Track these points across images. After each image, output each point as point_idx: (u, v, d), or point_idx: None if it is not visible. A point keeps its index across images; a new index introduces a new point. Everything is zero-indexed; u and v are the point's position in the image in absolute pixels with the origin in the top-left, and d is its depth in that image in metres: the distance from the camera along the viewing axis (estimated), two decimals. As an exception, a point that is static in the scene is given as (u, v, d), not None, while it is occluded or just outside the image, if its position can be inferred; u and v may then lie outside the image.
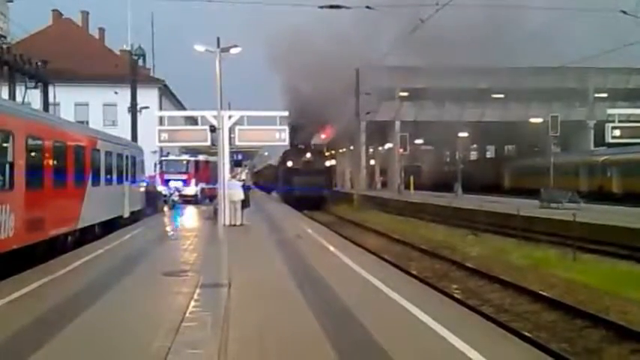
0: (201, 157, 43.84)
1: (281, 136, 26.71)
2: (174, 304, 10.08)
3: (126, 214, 26.41)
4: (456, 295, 14.68)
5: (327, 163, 48.96)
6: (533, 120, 47.98)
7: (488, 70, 64.53)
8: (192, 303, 10.19)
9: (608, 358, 10.42)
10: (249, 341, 8.01)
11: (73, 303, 10.36)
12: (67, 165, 18.36)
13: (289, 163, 47.69)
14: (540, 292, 14.44)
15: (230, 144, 27.28)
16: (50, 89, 23.12)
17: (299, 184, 45.00)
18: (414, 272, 17.67)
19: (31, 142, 15.22)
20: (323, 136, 47.16)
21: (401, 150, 56.96)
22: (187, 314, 9.39)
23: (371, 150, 75.98)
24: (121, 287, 11.96)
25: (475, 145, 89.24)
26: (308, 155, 47.65)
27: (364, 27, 43.36)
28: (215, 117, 25.92)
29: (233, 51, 25.94)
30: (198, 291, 11.22)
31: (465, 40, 51.71)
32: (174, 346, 7.64)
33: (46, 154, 16.47)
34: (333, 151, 49.55)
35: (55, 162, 17.09)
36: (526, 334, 11.00)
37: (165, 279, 12.72)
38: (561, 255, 19.65)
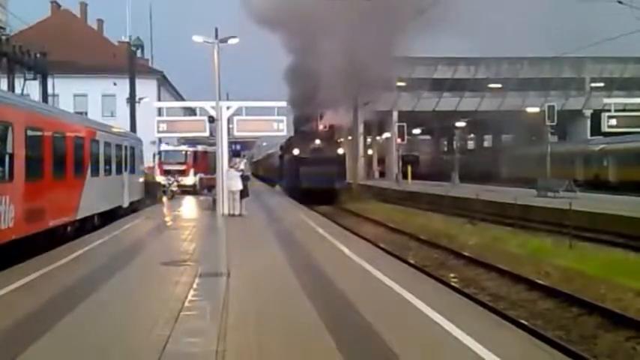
0: (199, 148, 43.90)
1: (279, 127, 26.78)
2: (174, 294, 10.16)
3: (125, 205, 26.51)
4: (453, 284, 14.79)
5: (340, 151, 42.31)
6: (530, 109, 48.01)
7: (486, 60, 64.78)
8: (192, 292, 10.28)
9: (603, 345, 10.47)
10: (248, 330, 8.09)
11: (72, 293, 10.42)
12: (66, 156, 18.42)
13: (295, 151, 41.34)
14: (537, 280, 14.54)
15: (228, 134, 27.36)
16: (49, 80, 23.22)
17: (306, 176, 38.98)
18: (412, 261, 17.75)
19: (30, 133, 15.26)
20: (321, 127, 44.32)
21: (399, 140, 56.96)
22: (186, 303, 9.48)
23: (369, 140, 75.95)
24: (121, 277, 12.05)
25: (472, 135, 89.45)
26: (317, 142, 41.39)
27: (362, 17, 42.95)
28: (213, 108, 25.99)
29: (231, 42, 26.01)
30: (197, 280, 11.32)
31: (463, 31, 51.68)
32: (173, 334, 7.72)
33: (45, 145, 16.52)
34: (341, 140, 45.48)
35: (54, 153, 17.14)
36: (522, 321, 11.09)
37: (165, 268, 12.79)
38: (558, 243, 19.76)
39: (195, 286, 10.83)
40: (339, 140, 45.07)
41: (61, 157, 17.81)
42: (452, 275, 16.46)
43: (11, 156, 13.95)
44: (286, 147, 47.48)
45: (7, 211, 13.56)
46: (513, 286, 14.78)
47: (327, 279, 11.60)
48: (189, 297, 9.92)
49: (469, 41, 54.32)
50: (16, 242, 14.11)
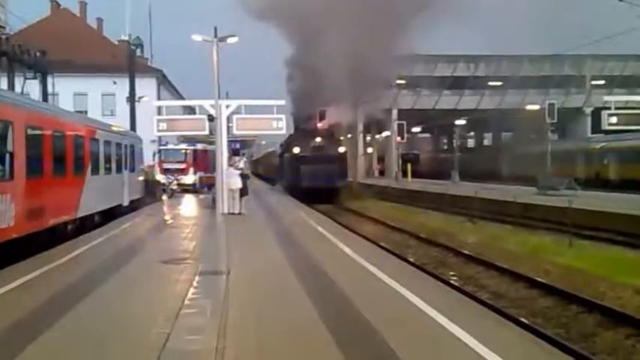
0: (199, 146, 43.88)
1: (278, 125, 26.75)
2: (174, 292, 10.19)
3: (125, 203, 26.52)
4: (452, 282, 14.80)
5: (341, 149, 41.37)
6: (530, 107, 48.01)
7: (486, 58, 64.74)
8: (192, 290, 10.31)
9: (603, 343, 10.48)
10: (248, 328, 8.11)
11: (72, 292, 10.41)
12: (67, 154, 18.43)
13: (296, 150, 40.52)
14: (536, 279, 14.54)
15: (228, 133, 27.36)
16: (49, 79, 23.21)
17: (307, 175, 38.22)
18: (412, 259, 17.78)
19: (30, 132, 15.27)
20: (321, 125, 43.75)
21: (398, 138, 56.90)
22: (187, 301, 9.50)
23: (368, 138, 75.94)
24: (121, 275, 12.06)
25: (472, 133, 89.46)
26: (318, 140, 40.42)
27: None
28: (213, 106, 25.99)
29: (230, 40, 26.01)
30: (197, 278, 11.34)
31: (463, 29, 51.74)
32: (173, 331, 7.75)
33: (46, 144, 16.54)
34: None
35: (55, 151, 17.15)
36: (522, 319, 11.09)
37: (165, 266, 12.81)
38: (557, 241, 19.77)
39: (195, 284, 10.85)
40: (339, 138, 44.57)
41: (61, 155, 17.82)
42: (452, 273, 16.48)
43: (12, 155, 13.96)
44: (286, 145, 46.98)
45: (8, 210, 13.58)
46: (513, 284, 14.79)
47: (326, 277, 11.61)
48: (189, 295, 9.94)
49: (469, 40, 54.41)
50: (17, 241, 14.12)
